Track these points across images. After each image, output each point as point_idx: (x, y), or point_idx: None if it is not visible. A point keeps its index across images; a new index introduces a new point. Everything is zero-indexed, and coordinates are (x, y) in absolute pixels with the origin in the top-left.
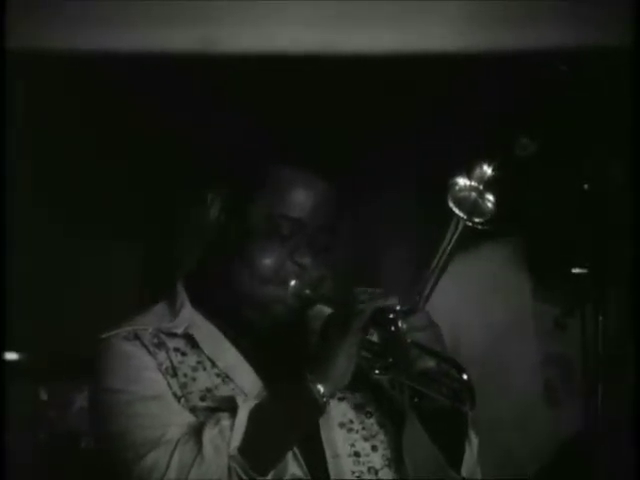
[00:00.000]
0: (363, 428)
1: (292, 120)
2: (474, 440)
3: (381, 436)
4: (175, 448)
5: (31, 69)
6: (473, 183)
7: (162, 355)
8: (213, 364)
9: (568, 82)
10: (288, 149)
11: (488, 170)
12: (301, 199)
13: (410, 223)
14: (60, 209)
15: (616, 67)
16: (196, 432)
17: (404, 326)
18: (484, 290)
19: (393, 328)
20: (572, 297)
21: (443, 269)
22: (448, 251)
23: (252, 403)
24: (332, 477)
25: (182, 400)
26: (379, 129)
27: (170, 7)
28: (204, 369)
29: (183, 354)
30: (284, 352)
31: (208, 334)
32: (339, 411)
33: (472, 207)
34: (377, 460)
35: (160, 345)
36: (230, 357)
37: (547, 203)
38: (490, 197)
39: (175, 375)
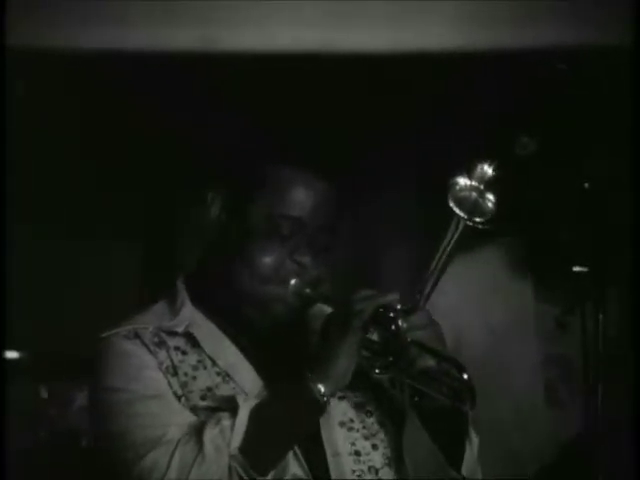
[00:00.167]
0: (363, 427)
1: (292, 120)
2: (474, 439)
3: (381, 435)
4: (176, 448)
5: (31, 68)
6: (474, 183)
7: (162, 354)
8: (214, 363)
9: (568, 81)
10: (288, 149)
11: (489, 170)
12: (301, 198)
13: (410, 223)
14: (60, 209)
15: (616, 66)
16: (197, 432)
17: (404, 325)
18: (484, 290)
19: (393, 327)
20: (572, 296)
21: (443, 268)
22: (448, 251)
23: (252, 403)
24: (333, 476)
25: (182, 399)
26: (379, 129)
27: (170, 7)
28: (204, 368)
29: (184, 353)
30: (284, 351)
31: (208, 333)
32: (339, 410)
33: (473, 207)
34: (377, 459)
35: (160, 344)
36: (230, 356)
37: (547, 202)
38: (491, 197)
39: (175, 374)
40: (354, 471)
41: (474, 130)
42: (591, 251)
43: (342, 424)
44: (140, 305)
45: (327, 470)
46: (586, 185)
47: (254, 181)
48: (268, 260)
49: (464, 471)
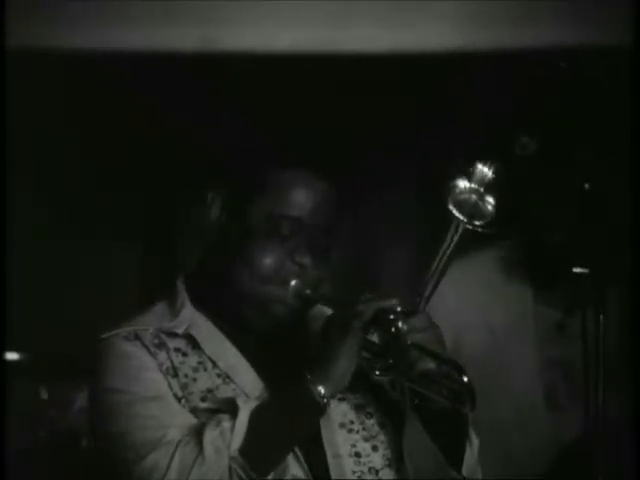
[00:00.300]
0: (364, 428)
1: (292, 120)
2: (475, 440)
3: (381, 436)
4: (176, 449)
5: (31, 69)
6: (473, 185)
7: (163, 355)
8: (214, 364)
9: (568, 81)
10: (288, 149)
11: (488, 172)
12: (301, 199)
13: (410, 223)
14: (60, 209)
15: (616, 66)
16: (197, 433)
17: (404, 327)
18: (483, 292)
19: (393, 329)
20: (572, 297)
21: (443, 271)
22: (448, 253)
23: (253, 404)
24: (333, 477)
25: (183, 401)
26: (379, 129)
27: (170, 7)
28: (205, 369)
29: (184, 354)
30: (284, 353)
31: (209, 334)
32: (340, 411)
33: (472, 209)
34: (378, 460)
35: (161, 345)
36: (231, 357)
37: (547, 203)
38: (490, 199)
39: (176, 375)
40: (354, 472)
41: (474, 130)
42: (591, 252)
43: (342, 425)
44: (140, 305)
45: (327, 471)
46: (586, 185)
47: (254, 181)
48: (268, 261)
49: (464, 472)
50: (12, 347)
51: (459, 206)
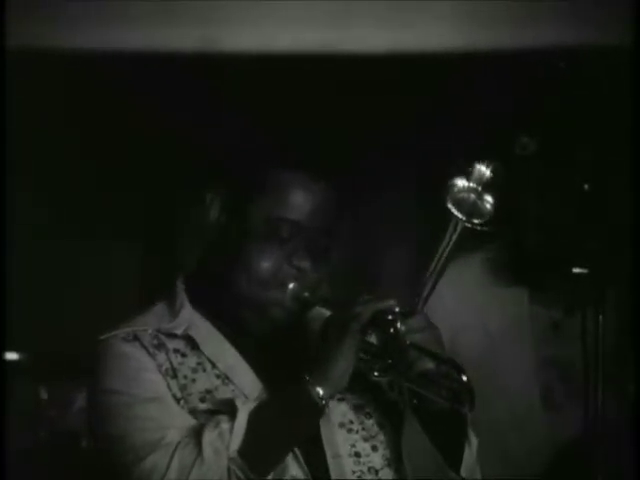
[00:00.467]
0: (363, 429)
1: (292, 120)
2: (473, 441)
3: (381, 436)
4: (175, 451)
5: (31, 69)
6: (472, 184)
7: (162, 356)
8: (213, 365)
9: (568, 81)
10: (288, 150)
11: (487, 171)
12: (300, 201)
13: (410, 223)
14: (60, 209)
15: (616, 66)
16: (196, 435)
17: (403, 328)
18: (481, 292)
19: (392, 330)
20: (572, 297)
21: (442, 271)
22: (447, 253)
23: (251, 406)
24: (333, 477)
25: (182, 402)
26: (379, 129)
27: (170, 7)
28: (204, 370)
29: (183, 355)
30: (283, 354)
31: (208, 335)
32: (339, 411)
33: (471, 208)
34: (377, 460)
35: (160, 346)
36: (230, 358)
37: (547, 203)
38: (489, 198)
39: (175, 376)
40: (354, 472)
41: (474, 130)
42: (591, 252)
43: (342, 425)
44: (140, 306)
45: (327, 471)
46: (586, 185)
47: (254, 182)
48: (266, 264)
49: (463, 472)
50: (12, 347)
51: (458, 205)
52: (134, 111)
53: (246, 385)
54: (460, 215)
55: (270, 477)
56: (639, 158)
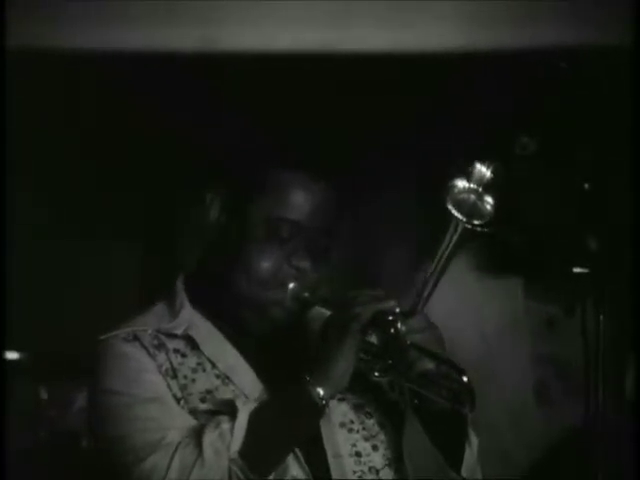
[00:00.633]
0: (363, 428)
1: (292, 120)
2: (474, 440)
3: (381, 436)
4: (175, 451)
5: (31, 69)
6: (472, 185)
7: (162, 356)
8: (213, 365)
9: (568, 81)
10: (287, 150)
11: (487, 172)
12: (300, 201)
13: (410, 223)
14: (60, 209)
15: (616, 66)
16: (196, 435)
17: (403, 328)
18: (477, 292)
19: (392, 330)
20: (572, 297)
21: (442, 271)
22: (447, 253)
23: (252, 406)
24: (334, 477)
25: (182, 402)
26: (379, 129)
27: (170, 7)
28: (204, 370)
29: (183, 355)
30: (283, 354)
31: (208, 335)
32: (339, 411)
33: (471, 209)
34: (378, 460)
35: (160, 346)
36: (230, 358)
37: (547, 203)
38: (489, 199)
39: (175, 377)
40: (355, 472)
41: (474, 130)
42: (591, 252)
43: (342, 425)
44: (140, 306)
45: (328, 471)
46: (586, 185)
47: (254, 182)
48: (266, 264)
49: (464, 472)
50: (12, 347)
51: (458, 206)
52: (134, 111)
53: (246, 385)
54: (460, 216)
55: (271, 477)
56: (639, 158)
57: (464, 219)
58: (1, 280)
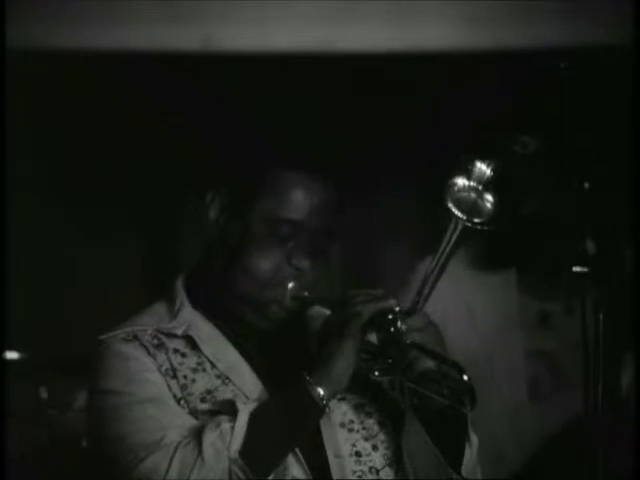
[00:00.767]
0: (363, 428)
1: (292, 120)
2: (474, 440)
3: (382, 436)
4: (175, 451)
5: (31, 69)
6: (472, 183)
7: (162, 356)
8: (213, 365)
9: (569, 81)
10: (287, 150)
11: (487, 170)
12: (300, 201)
13: (410, 222)
14: (60, 209)
15: (616, 66)
16: (196, 435)
17: (403, 327)
18: (474, 288)
19: (392, 329)
20: (572, 296)
21: (442, 270)
22: (447, 252)
23: (252, 406)
24: (334, 477)
25: (182, 402)
26: (379, 129)
27: (171, 6)
28: (204, 370)
29: (183, 355)
30: (283, 354)
31: (208, 335)
32: (340, 411)
33: (471, 207)
34: (378, 460)
35: (159, 346)
36: (230, 358)
37: (547, 202)
38: (489, 197)
39: (175, 377)
40: (355, 472)
41: (474, 129)
42: (590, 251)
43: (342, 425)
44: (140, 305)
45: (328, 471)
46: (586, 185)
47: (253, 182)
48: (265, 264)
49: (464, 471)
50: (12, 347)
51: (458, 204)
52: (134, 111)
53: (246, 385)
54: (460, 214)
55: (271, 477)
56: (639, 158)
57: (464, 217)
58: (1, 280)
